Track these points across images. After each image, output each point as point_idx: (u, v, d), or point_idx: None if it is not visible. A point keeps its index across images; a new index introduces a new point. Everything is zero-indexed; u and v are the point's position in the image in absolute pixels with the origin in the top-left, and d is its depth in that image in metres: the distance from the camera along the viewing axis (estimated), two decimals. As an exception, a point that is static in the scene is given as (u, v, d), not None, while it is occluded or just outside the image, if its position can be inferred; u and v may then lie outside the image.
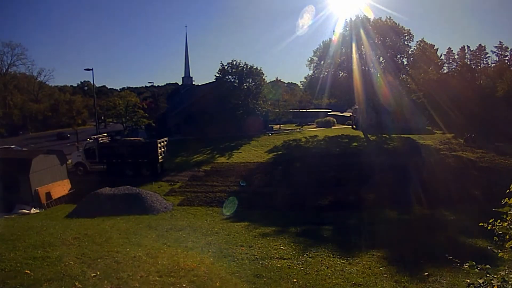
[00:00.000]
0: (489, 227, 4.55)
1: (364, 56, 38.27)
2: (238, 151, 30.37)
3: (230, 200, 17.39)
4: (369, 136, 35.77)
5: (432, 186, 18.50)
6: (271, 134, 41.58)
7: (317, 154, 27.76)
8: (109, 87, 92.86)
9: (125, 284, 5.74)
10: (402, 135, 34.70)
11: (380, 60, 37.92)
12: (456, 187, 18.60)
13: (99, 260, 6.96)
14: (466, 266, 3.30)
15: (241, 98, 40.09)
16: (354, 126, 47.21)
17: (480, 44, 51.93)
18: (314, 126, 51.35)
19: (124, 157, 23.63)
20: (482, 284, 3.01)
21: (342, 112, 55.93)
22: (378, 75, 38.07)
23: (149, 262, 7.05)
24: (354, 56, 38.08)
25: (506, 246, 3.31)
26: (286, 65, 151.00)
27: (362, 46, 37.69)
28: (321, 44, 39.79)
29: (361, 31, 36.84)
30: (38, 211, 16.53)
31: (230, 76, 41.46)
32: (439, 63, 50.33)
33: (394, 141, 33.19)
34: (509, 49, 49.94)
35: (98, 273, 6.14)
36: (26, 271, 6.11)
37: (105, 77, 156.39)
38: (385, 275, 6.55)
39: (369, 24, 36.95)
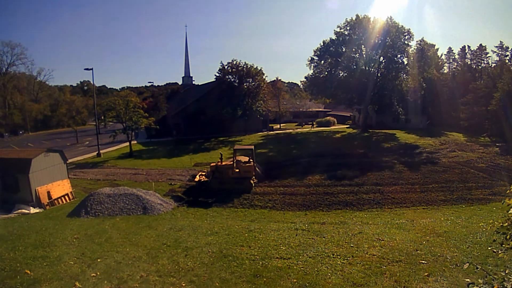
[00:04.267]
0: (489, 228, 4.55)
1: (364, 55, 38.24)
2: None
3: None
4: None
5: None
6: (273, 131, 42.72)
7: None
8: (109, 87, 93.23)
9: (125, 284, 5.74)
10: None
11: (380, 60, 37.87)
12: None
13: (99, 260, 6.96)
14: (466, 266, 3.30)
15: (241, 97, 40.08)
16: (351, 124, 47.27)
17: (480, 44, 51.91)
18: (315, 125, 51.39)
19: None
20: (482, 284, 3.01)
21: (344, 109, 55.94)
22: (378, 74, 38.04)
23: (149, 262, 7.05)
24: (354, 55, 38.08)
25: (505, 246, 3.30)
26: (286, 65, 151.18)
27: (362, 46, 37.67)
28: (322, 44, 39.79)
29: (362, 30, 36.83)
30: (38, 211, 16.52)
31: (230, 76, 41.42)
32: (440, 63, 50.32)
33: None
34: (509, 49, 50.00)
35: (98, 273, 6.14)
36: (26, 270, 6.12)
37: (105, 77, 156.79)
38: (385, 275, 6.54)
39: (370, 24, 36.92)
